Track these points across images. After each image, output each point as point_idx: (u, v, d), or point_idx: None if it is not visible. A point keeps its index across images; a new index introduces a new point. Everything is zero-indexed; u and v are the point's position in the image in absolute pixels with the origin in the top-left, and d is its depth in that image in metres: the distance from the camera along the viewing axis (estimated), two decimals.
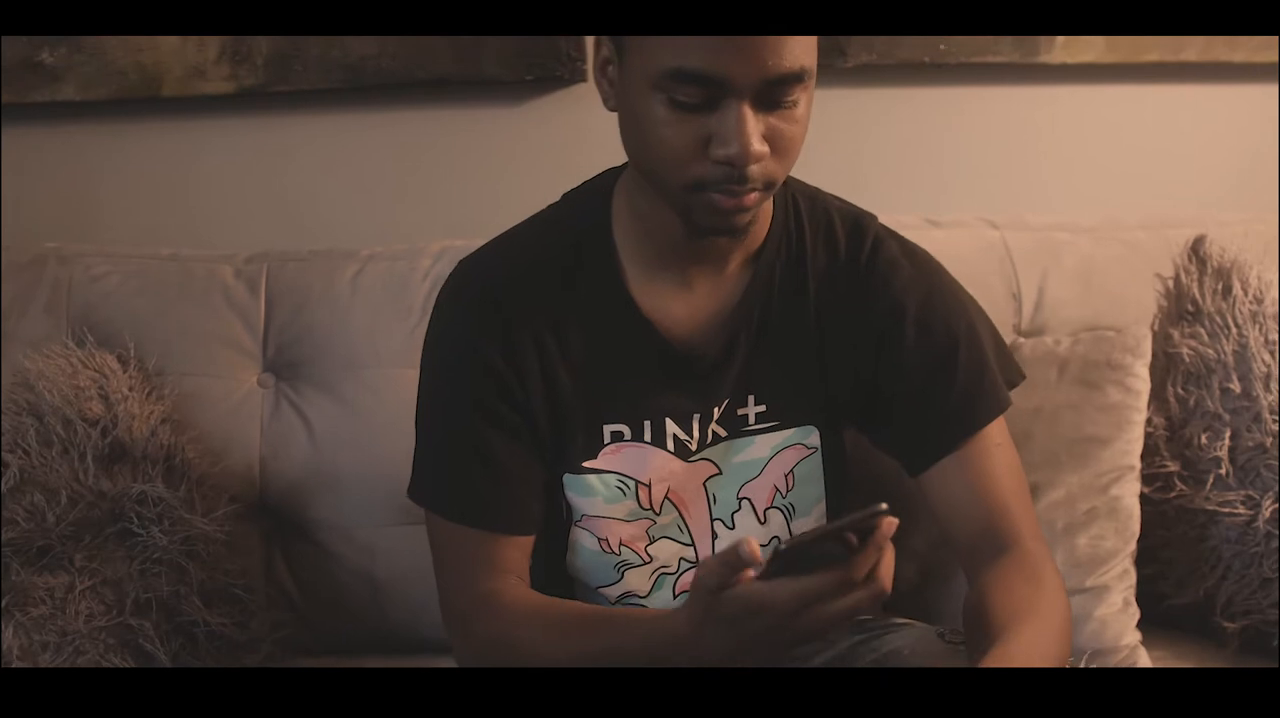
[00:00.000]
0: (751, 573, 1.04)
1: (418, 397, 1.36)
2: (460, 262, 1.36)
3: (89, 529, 1.46)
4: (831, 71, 1.95)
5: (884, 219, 1.89)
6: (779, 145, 1.17)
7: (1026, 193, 2.06)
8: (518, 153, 1.96)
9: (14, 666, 1.36)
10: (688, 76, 1.13)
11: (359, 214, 1.95)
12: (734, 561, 1.04)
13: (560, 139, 1.94)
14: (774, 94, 1.15)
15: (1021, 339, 1.79)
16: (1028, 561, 1.27)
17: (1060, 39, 1.99)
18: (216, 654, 1.50)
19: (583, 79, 1.91)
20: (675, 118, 1.15)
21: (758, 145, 1.14)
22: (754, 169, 1.16)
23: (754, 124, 1.14)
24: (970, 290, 1.86)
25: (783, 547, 1.03)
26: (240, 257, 1.79)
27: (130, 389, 1.62)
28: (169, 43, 1.83)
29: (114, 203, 1.91)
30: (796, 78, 1.15)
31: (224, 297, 1.76)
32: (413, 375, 1.70)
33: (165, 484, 1.54)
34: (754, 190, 1.18)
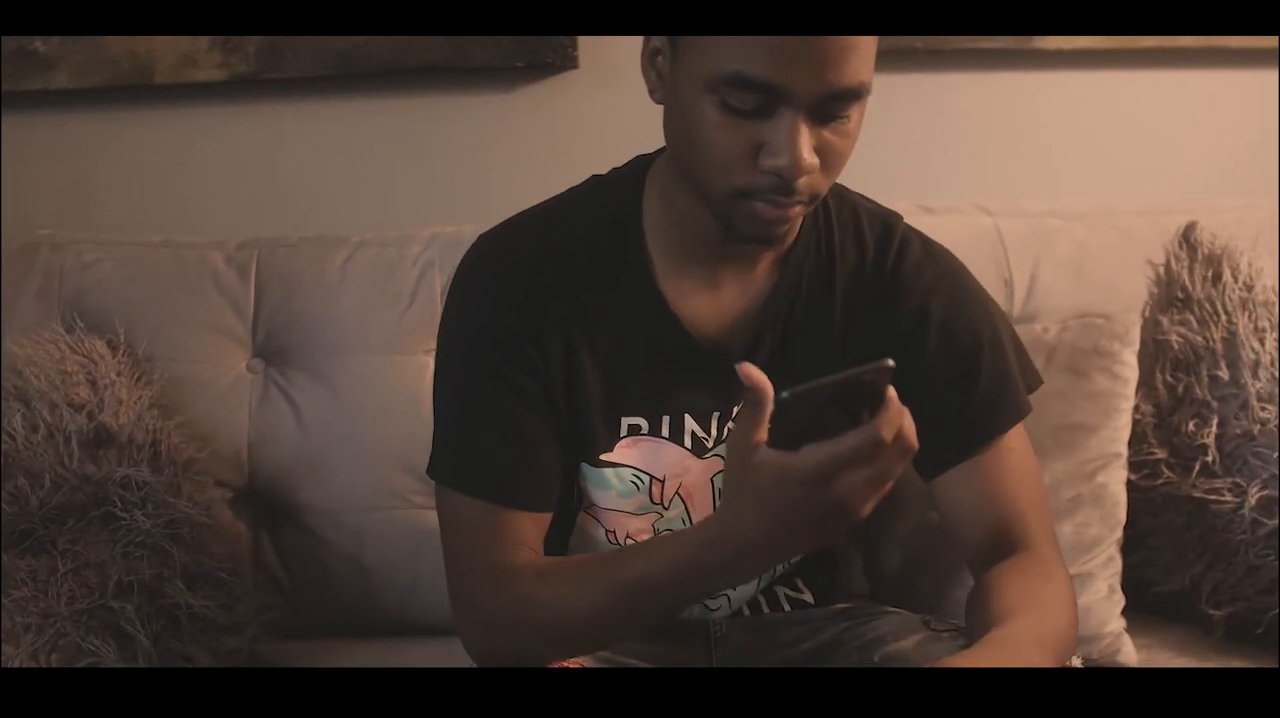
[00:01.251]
0: (770, 396, 1.00)
1: (435, 371, 1.32)
2: (482, 235, 1.32)
3: (72, 513, 1.47)
4: None
5: None
6: (828, 159, 1.15)
7: (1022, 180, 2.06)
8: (508, 140, 1.96)
9: None
10: (746, 82, 1.10)
11: (350, 201, 1.96)
12: (749, 398, 1.01)
13: (551, 126, 1.95)
14: (829, 108, 1.12)
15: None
16: (1036, 562, 1.25)
17: None
18: (199, 637, 1.50)
19: (574, 66, 1.91)
20: (727, 122, 1.12)
21: (809, 158, 1.12)
22: (802, 182, 1.13)
23: (807, 136, 1.11)
24: None
25: (786, 394, 0.97)
26: (231, 243, 1.80)
27: (118, 375, 1.63)
28: None
29: (107, 190, 1.92)
30: (855, 93, 1.12)
31: (214, 283, 1.77)
32: (401, 362, 1.73)
33: (150, 469, 1.55)
34: (799, 203, 1.16)
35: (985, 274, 1.80)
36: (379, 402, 1.71)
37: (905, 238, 1.34)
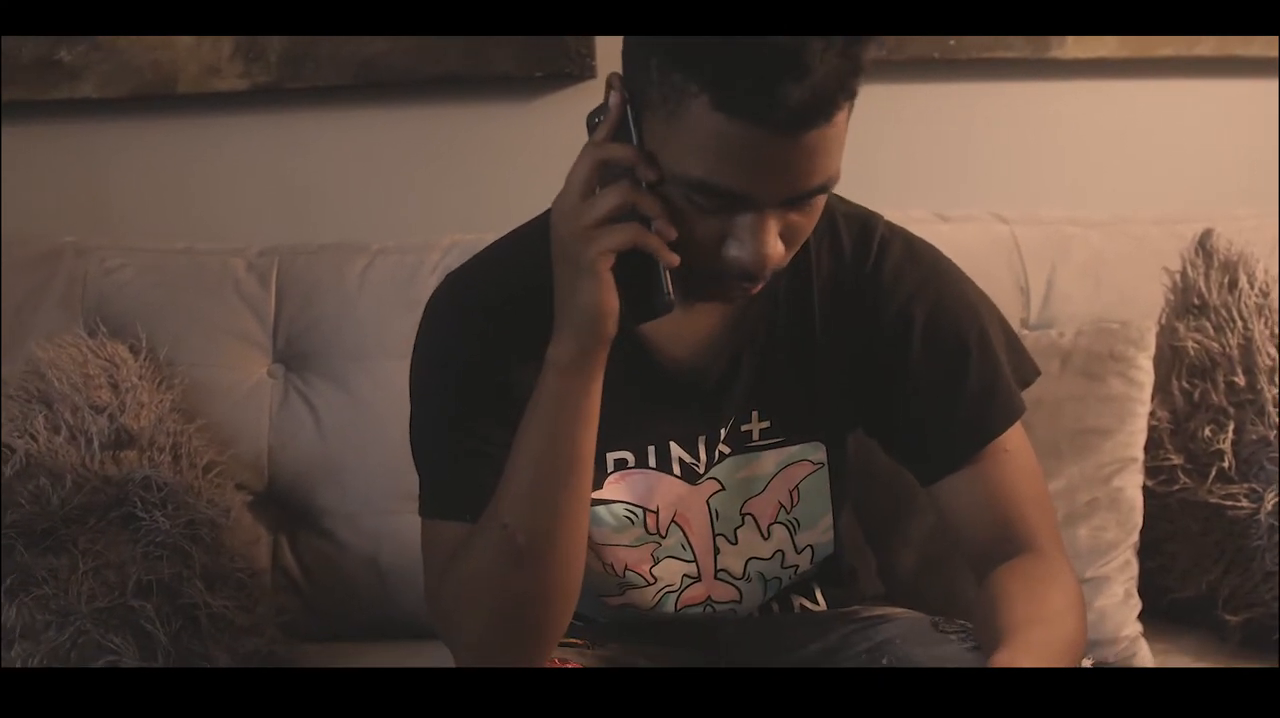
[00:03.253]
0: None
1: (411, 414, 1.29)
2: (449, 274, 1.32)
3: (93, 513, 1.49)
4: None
5: (893, 215, 1.87)
6: (793, 238, 1.13)
7: (1039, 189, 2.06)
8: (527, 149, 1.97)
9: (16, 644, 1.39)
10: (711, 189, 1.07)
11: (370, 209, 1.97)
12: None
13: (569, 136, 1.91)
14: (797, 200, 1.10)
15: (1026, 332, 1.78)
16: (1041, 564, 1.23)
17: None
18: (219, 637, 1.51)
19: (592, 76, 1.93)
20: (690, 212, 1.10)
21: (774, 249, 1.10)
22: (769, 269, 1.12)
23: (772, 228, 1.09)
24: (977, 284, 1.84)
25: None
26: (252, 250, 1.82)
27: (140, 379, 1.65)
28: (184, 41, 1.86)
29: (131, 197, 1.94)
30: (822, 189, 1.10)
31: (235, 289, 1.79)
32: None
33: (172, 471, 1.57)
34: (763, 281, 1.15)
35: (1000, 280, 1.83)
36: (397, 407, 1.67)
37: (885, 239, 1.30)
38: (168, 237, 1.85)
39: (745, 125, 1.03)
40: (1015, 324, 1.80)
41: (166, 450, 1.58)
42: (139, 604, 1.45)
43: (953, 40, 1.97)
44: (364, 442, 1.73)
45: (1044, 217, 1.91)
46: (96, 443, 1.53)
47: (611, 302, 1.13)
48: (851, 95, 1.06)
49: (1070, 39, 1.99)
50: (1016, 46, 1.98)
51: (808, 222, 1.13)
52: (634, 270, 1.12)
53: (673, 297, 1.13)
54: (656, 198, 1.10)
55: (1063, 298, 1.85)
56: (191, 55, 1.87)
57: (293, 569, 1.74)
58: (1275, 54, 2.02)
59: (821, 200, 1.13)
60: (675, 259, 1.11)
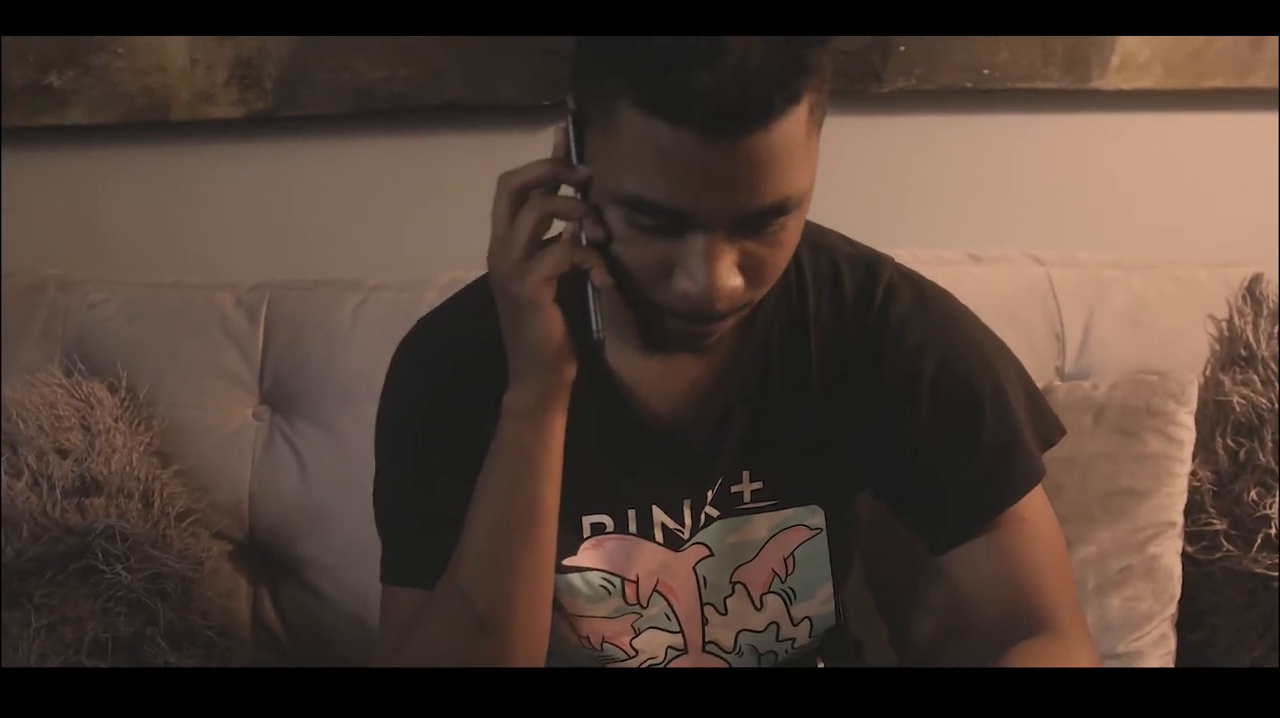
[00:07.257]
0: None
1: (375, 475, 1.22)
2: (420, 319, 1.24)
3: (50, 565, 1.40)
4: (866, 98, 1.85)
5: (923, 255, 1.74)
6: (757, 273, 1.02)
7: (1079, 229, 1.94)
8: None
9: None
10: (646, 206, 0.97)
11: (369, 241, 1.89)
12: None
13: None
14: (753, 224, 0.99)
15: (1058, 383, 1.66)
16: (1056, 646, 1.12)
17: (1114, 63, 1.86)
18: None
19: None
20: (635, 237, 1.00)
21: (728, 281, 0.99)
22: (723, 305, 1.01)
23: (726, 256, 0.98)
24: (1009, 331, 1.69)
25: None
26: (243, 285, 1.73)
27: (115, 420, 1.56)
28: (177, 66, 1.78)
29: (121, 227, 1.86)
30: (778, 210, 0.98)
31: (221, 326, 1.69)
32: None
33: (142, 519, 1.48)
34: (723, 319, 1.04)
35: (1034, 326, 1.71)
36: None
37: (892, 285, 1.19)
38: (159, 267, 1.77)
39: (670, 127, 0.93)
40: (1049, 373, 1.69)
41: (136, 497, 1.49)
42: (93, 665, 1.36)
43: (986, 69, 1.86)
44: (350, 490, 1.60)
45: (1083, 259, 1.79)
46: (59, 490, 1.45)
47: (561, 335, 1.05)
48: (794, 98, 0.94)
49: (1112, 69, 1.87)
50: (1055, 77, 1.86)
51: (771, 254, 1.02)
52: (574, 305, 1.05)
53: (601, 334, 1.04)
54: (577, 201, 1.02)
55: (1100, 345, 1.73)
56: (185, 81, 1.79)
57: (273, 624, 1.65)
58: None
59: (787, 232, 1.01)
60: (608, 279, 1.02)
